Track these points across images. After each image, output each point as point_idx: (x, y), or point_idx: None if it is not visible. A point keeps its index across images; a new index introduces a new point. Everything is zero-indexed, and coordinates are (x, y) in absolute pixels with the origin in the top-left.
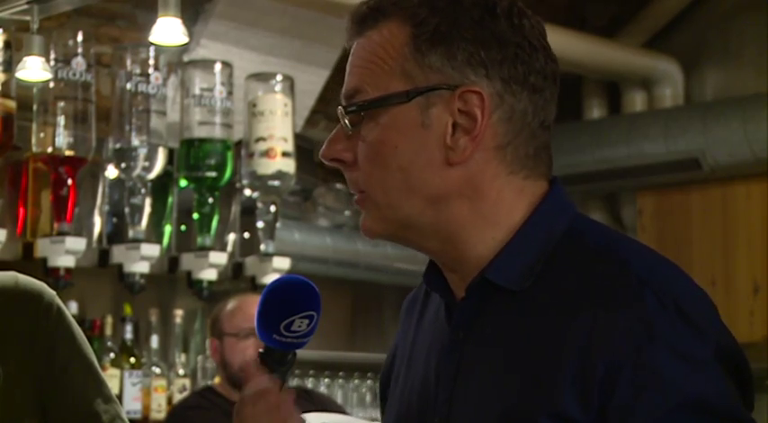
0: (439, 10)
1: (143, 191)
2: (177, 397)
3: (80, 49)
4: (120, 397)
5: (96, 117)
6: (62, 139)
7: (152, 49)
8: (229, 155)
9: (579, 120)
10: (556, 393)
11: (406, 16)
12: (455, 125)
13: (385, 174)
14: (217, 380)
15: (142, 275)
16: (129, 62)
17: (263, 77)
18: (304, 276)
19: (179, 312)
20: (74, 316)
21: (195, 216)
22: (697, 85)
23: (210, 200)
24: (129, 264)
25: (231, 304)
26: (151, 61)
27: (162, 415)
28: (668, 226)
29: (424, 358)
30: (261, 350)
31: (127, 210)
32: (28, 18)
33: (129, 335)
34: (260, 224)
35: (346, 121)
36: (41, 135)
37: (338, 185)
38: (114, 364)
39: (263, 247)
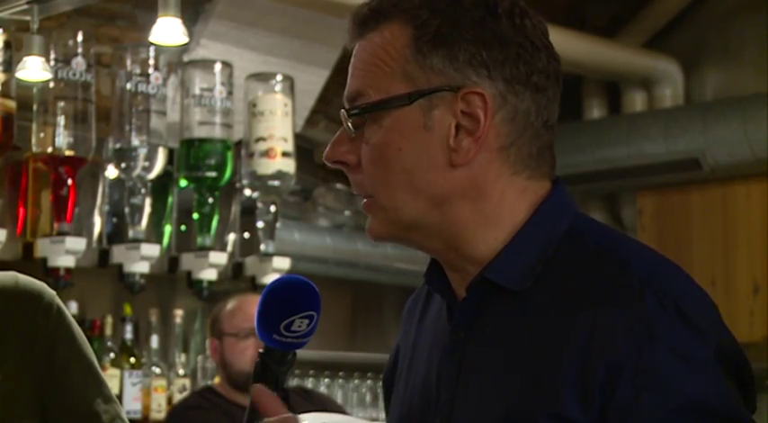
0: (440, 11)
1: (143, 191)
2: (177, 397)
3: (80, 49)
4: (120, 397)
5: (96, 117)
6: (62, 139)
7: (152, 49)
8: (229, 155)
9: (579, 120)
10: (556, 394)
11: (407, 18)
12: (458, 126)
13: (389, 176)
14: (217, 380)
15: (142, 275)
16: (129, 62)
17: (263, 77)
18: (304, 276)
19: (179, 312)
20: (74, 316)
21: (195, 216)
22: (697, 85)
23: (210, 200)
24: (129, 264)
25: (231, 304)
26: (151, 61)
27: (162, 415)
28: (668, 226)
29: (425, 358)
30: (261, 350)
31: (127, 210)
32: (28, 18)
33: (129, 335)
34: (260, 224)
35: (349, 124)
36: (41, 135)
37: (338, 185)
38: (114, 364)
39: (263, 247)
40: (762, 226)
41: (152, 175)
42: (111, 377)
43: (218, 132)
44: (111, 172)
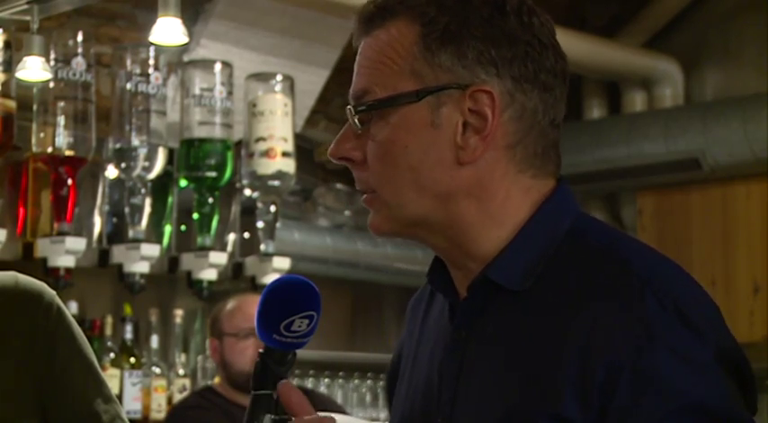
0: (448, 8)
1: (143, 191)
2: (177, 397)
3: (80, 49)
4: (120, 397)
5: (96, 117)
6: (62, 139)
7: (152, 49)
8: (229, 155)
9: (579, 120)
10: (556, 394)
11: (414, 15)
12: (465, 124)
13: (395, 173)
14: (217, 380)
15: (142, 275)
16: (129, 62)
17: (263, 77)
18: (304, 276)
19: (179, 312)
20: (74, 316)
21: (195, 216)
22: (697, 85)
23: (210, 200)
24: (129, 264)
25: (231, 304)
26: (151, 61)
27: (162, 415)
28: (668, 226)
29: (428, 358)
30: (261, 350)
31: (127, 210)
32: (28, 18)
33: (129, 335)
34: (260, 224)
35: (356, 120)
36: (41, 135)
37: (338, 185)
38: (114, 364)
39: (263, 247)
40: (762, 226)
41: (152, 175)
42: (111, 377)
43: (218, 132)
44: (111, 172)
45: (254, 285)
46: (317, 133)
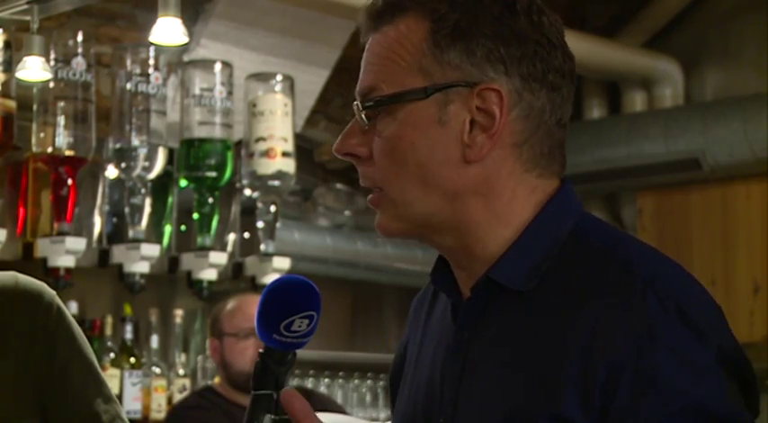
0: (458, 5)
1: (143, 191)
2: (177, 397)
3: (80, 49)
4: (120, 397)
5: (96, 117)
6: (62, 139)
7: (152, 49)
8: (229, 155)
9: (579, 120)
10: (558, 394)
11: (424, 11)
12: (472, 122)
13: (401, 169)
14: (217, 380)
15: (142, 275)
16: (129, 62)
17: (263, 77)
18: (304, 276)
19: (179, 312)
20: (74, 316)
21: (195, 216)
22: (697, 85)
23: (210, 200)
24: (129, 264)
25: (231, 304)
26: (151, 61)
27: (162, 415)
28: (668, 226)
29: (430, 358)
30: (261, 350)
31: (127, 210)
32: (28, 18)
33: (129, 335)
34: (260, 224)
35: (363, 116)
36: (41, 135)
37: (338, 185)
38: (114, 364)
39: (263, 247)
40: (762, 226)
41: (152, 175)
42: (111, 377)
43: (218, 132)
44: (111, 172)
45: (254, 285)
46: (317, 133)
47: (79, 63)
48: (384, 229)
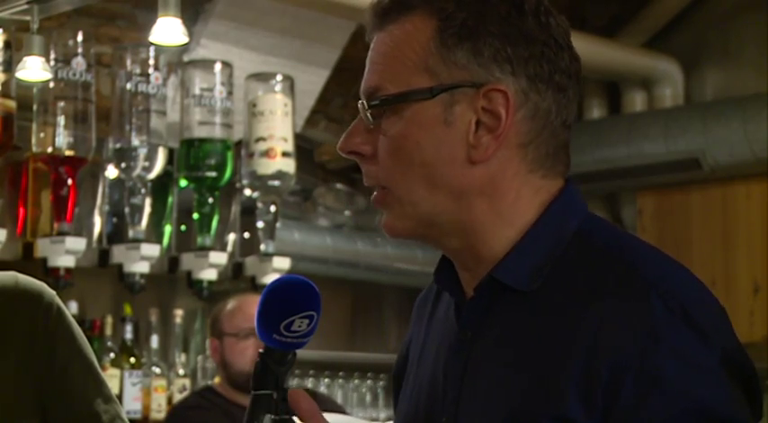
0: (466, 4)
1: (143, 191)
2: (177, 397)
3: (80, 49)
4: (120, 397)
5: (96, 117)
6: (62, 139)
7: (152, 49)
8: (229, 155)
9: (579, 120)
10: (560, 395)
11: (432, 10)
12: (478, 123)
13: (407, 169)
14: (217, 380)
15: (142, 275)
16: (129, 62)
17: (263, 77)
18: (304, 276)
19: (179, 312)
20: (74, 316)
21: (195, 216)
22: (697, 85)
23: (210, 200)
24: (129, 264)
25: (231, 304)
26: (151, 61)
27: (162, 415)
28: (668, 226)
29: (433, 357)
30: (261, 350)
31: (127, 210)
32: (28, 18)
33: (129, 335)
34: (260, 224)
35: (368, 115)
36: (41, 135)
37: (338, 185)
38: (114, 364)
39: (263, 247)
40: (762, 226)
41: (152, 175)
42: (111, 377)
43: (218, 132)
44: (111, 172)
45: (254, 285)
46: (317, 133)
47: (79, 63)
48: (390, 228)
